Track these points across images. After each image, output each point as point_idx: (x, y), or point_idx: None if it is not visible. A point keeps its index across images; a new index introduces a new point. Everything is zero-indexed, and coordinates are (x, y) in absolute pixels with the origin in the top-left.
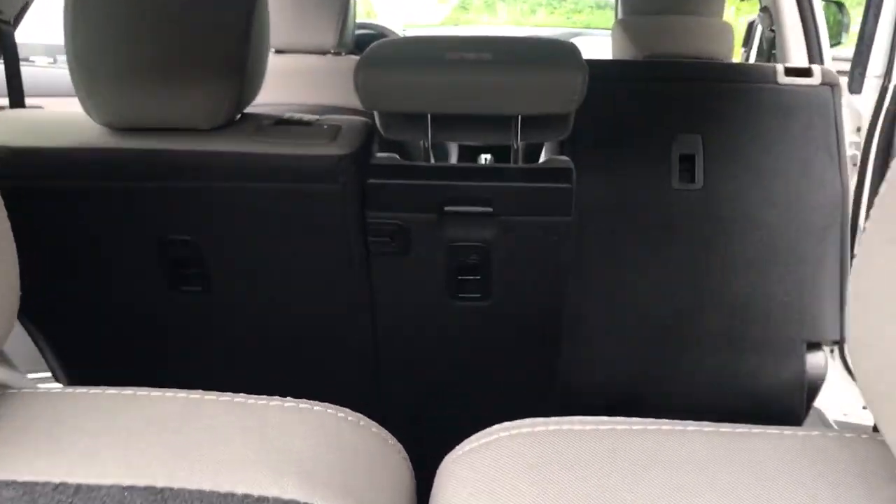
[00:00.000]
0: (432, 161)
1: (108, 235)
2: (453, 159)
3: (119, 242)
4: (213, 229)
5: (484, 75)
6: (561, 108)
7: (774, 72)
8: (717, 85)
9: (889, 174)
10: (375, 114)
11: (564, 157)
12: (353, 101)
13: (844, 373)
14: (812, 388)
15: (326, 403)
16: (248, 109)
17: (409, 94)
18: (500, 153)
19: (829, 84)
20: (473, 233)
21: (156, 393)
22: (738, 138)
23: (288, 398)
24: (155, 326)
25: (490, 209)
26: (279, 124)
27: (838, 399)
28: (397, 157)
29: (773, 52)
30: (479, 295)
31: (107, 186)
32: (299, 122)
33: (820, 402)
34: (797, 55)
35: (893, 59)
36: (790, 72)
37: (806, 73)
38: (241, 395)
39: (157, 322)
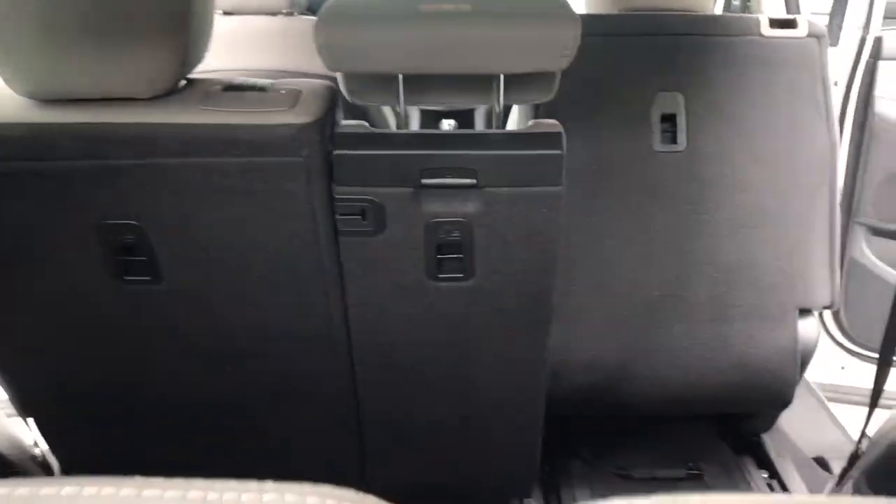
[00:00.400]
0: (407, 128)
1: (40, 223)
2: (414, 126)
3: (52, 230)
4: (160, 212)
5: (463, 29)
6: (550, 64)
7: (758, 23)
8: (698, 39)
9: None
10: (339, 77)
11: (552, 121)
12: (311, 65)
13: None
14: (805, 355)
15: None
16: (194, 76)
17: (378, 53)
18: (464, 118)
19: (816, 36)
20: (455, 207)
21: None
22: (721, 95)
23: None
24: (100, 323)
25: (474, 181)
26: (230, 90)
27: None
28: (366, 124)
29: (749, 3)
30: (461, 275)
31: (34, 167)
32: (253, 88)
33: None
34: (774, 7)
35: (872, 9)
36: (774, 23)
37: (791, 24)
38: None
39: (102, 318)
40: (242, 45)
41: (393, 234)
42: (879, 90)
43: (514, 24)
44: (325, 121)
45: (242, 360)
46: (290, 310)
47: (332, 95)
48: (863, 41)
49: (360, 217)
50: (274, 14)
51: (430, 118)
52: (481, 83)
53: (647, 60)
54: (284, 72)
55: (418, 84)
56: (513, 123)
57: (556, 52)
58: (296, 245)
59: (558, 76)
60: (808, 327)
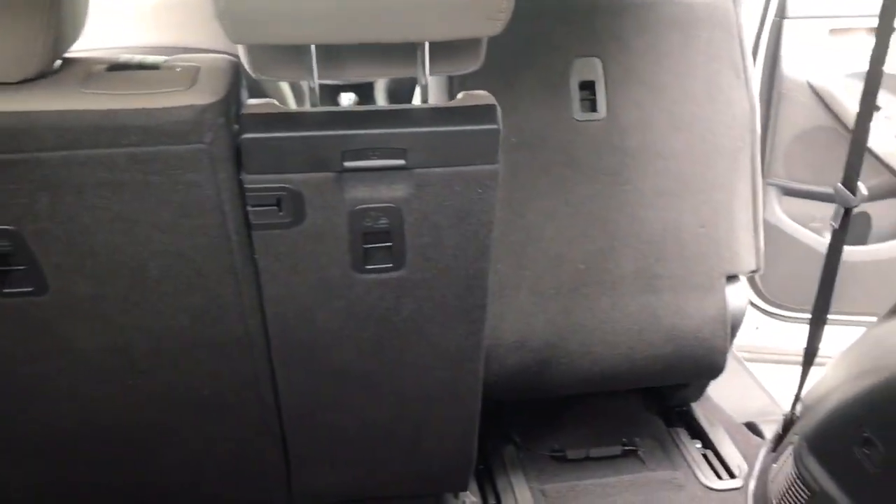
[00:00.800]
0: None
1: None
2: (308, 103)
3: None
4: (39, 214)
5: None
6: (481, 30)
7: None
8: (614, 1)
9: None
10: (241, 50)
11: (483, 92)
12: (206, 41)
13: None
14: (735, 322)
15: None
16: (71, 55)
17: (288, 21)
18: (364, 92)
19: None
20: (381, 192)
21: None
22: (639, 60)
23: None
24: None
25: (402, 161)
26: (115, 70)
27: None
28: (276, 102)
29: None
30: (390, 264)
31: None
32: (143, 67)
33: None
34: None
35: None
36: None
37: None
38: None
39: None
40: (124, 21)
41: (313, 224)
42: (785, 50)
43: None
44: (229, 100)
45: (146, 374)
46: (198, 315)
47: (236, 71)
48: (767, 1)
49: (275, 208)
50: None
51: (327, 93)
52: (403, 53)
53: (564, 24)
54: (178, 48)
55: (333, 55)
56: (416, 98)
57: (487, 16)
58: (202, 243)
59: (485, 43)
60: (736, 294)
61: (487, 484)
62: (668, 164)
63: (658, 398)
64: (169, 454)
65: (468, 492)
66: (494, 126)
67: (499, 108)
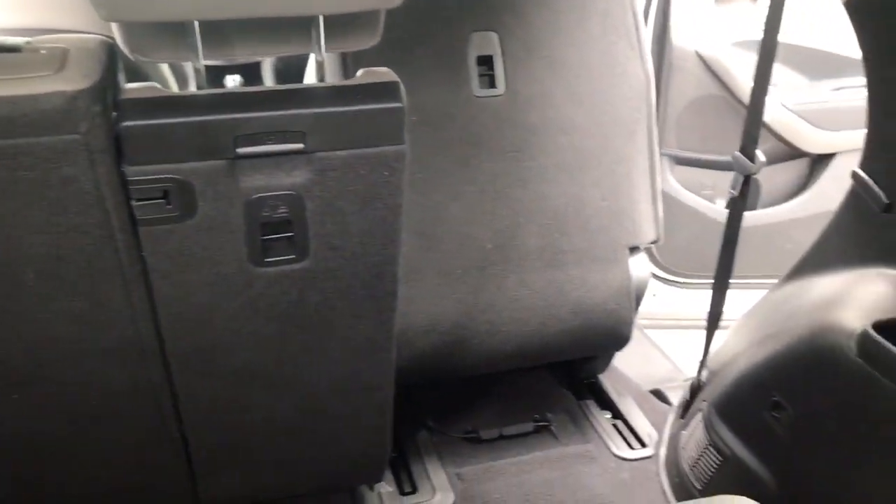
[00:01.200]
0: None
1: None
2: (192, 87)
3: None
4: None
5: None
6: (382, 1)
7: None
8: None
9: None
10: (116, 29)
11: (384, 69)
12: (74, 21)
13: None
14: (639, 292)
15: None
16: None
17: None
18: (250, 73)
19: None
20: (280, 179)
21: None
22: (536, 33)
23: None
24: None
25: (301, 145)
26: None
27: None
28: (157, 85)
29: None
30: (292, 256)
31: None
32: (2, 49)
33: None
34: None
35: None
36: None
37: None
38: None
39: None
40: None
41: (205, 217)
42: (674, 20)
43: None
44: (105, 85)
45: (27, 386)
46: (83, 320)
47: (111, 53)
48: None
49: (162, 201)
50: None
51: (210, 76)
52: (296, 28)
53: None
54: (41, 30)
55: (218, 33)
56: (309, 78)
57: None
58: (82, 242)
59: (383, 16)
60: (639, 264)
61: (403, 472)
62: (569, 139)
63: (567, 372)
64: (64, 468)
65: (383, 482)
66: (399, 104)
67: (402, 85)
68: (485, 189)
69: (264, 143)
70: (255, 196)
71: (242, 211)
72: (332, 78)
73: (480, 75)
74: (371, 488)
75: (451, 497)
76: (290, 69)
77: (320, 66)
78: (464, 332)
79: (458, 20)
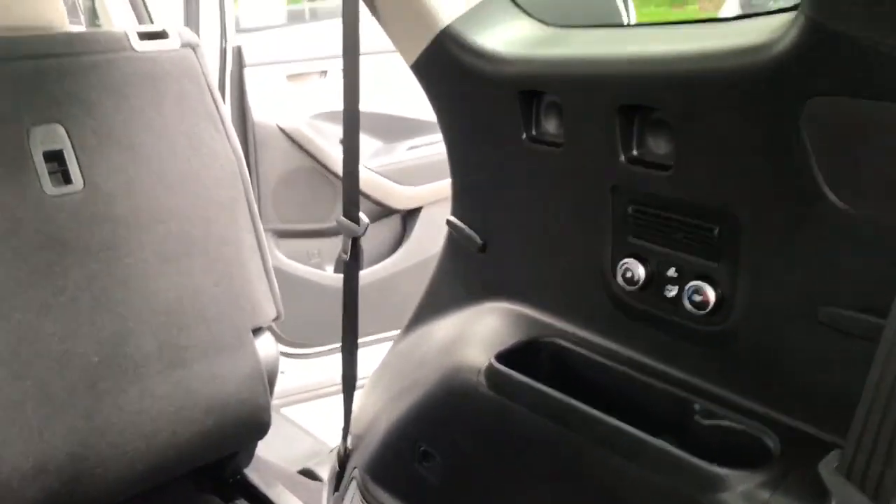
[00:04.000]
0: None
1: None
2: None
3: None
4: None
5: None
6: None
7: (127, 38)
8: (65, 61)
9: None
10: None
11: None
12: None
13: None
14: (271, 375)
15: None
16: None
17: None
18: None
19: (190, 45)
20: None
21: None
22: (108, 121)
23: None
24: None
25: None
26: None
27: None
28: None
29: (97, 22)
30: None
31: None
32: None
33: None
34: (125, 22)
35: (224, 20)
36: (144, 36)
37: (161, 35)
38: None
39: None
40: None
41: None
42: (251, 97)
43: None
44: None
45: None
46: None
47: None
48: (224, 51)
49: None
50: None
51: None
52: None
53: (11, 90)
54: None
55: None
56: None
57: None
58: None
59: None
60: (265, 345)
61: None
62: (168, 227)
63: (211, 475)
64: None
65: None
66: None
67: None
68: (80, 297)
69: None
70: None
71: None
72: None
73: (51, 172)
74: None
75: None
76: None
77: None
78: (83, 464)
79: (19, 116)
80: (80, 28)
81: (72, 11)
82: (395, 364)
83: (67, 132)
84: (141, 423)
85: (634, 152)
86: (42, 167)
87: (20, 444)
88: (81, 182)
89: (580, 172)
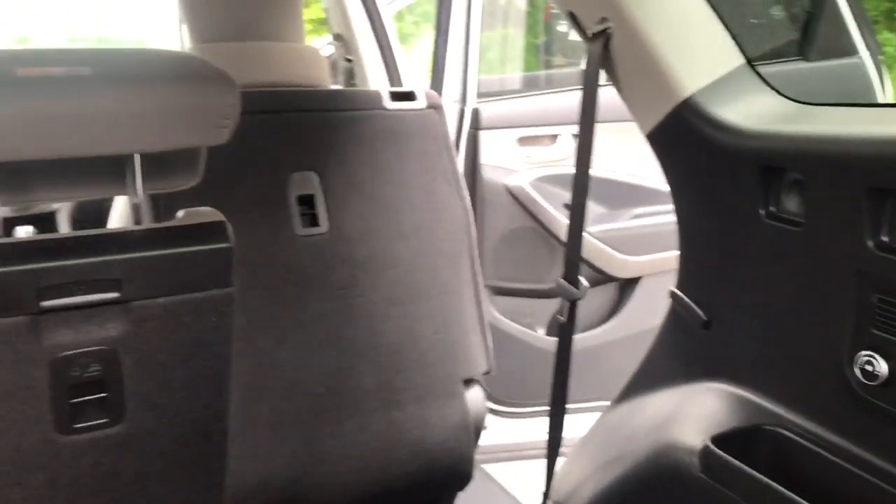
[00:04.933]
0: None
1: None
2: None
3: None
4: None
5: (82, 99)
6: (206, 138)
7: (379, 97)
8: (325, 115)
9: None
10: None
11: (208, 209)
12: None
13: None
14: (477, 426)
15: None
16: None
17: None
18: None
19: (434, 107)
20: (91, 333)
21: None
22: (356, 172)
23: None
24: None
25: (116, 294)
26: None
27: None
28: None
29: (353, 81)
30: (105, 419)
31: None
32: None
33: None
34: (379, 83)
35: (466, 84)
36: (395, 96)
37: (410, 96)
38: None
39: None
40: None
41: (2, 382)
42: (483, 157)
43: (155, 90)
44: None
45: None
46: None
47: None
48: (462, 113)
49: None
50: None
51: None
52: (109, 168)
53: (277, 138)
54: None
55: (19, 175)
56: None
57: (211, 123)
58: None
59: (204, 154)
60: (475, 397)
61: None
62: (397, 273)
63: None
64: None
65: None
66: (227, 244)
67: (229, 225)
68: (313, 330)
69: (73, 295)
70: (61, 355)
71: (47, 373)
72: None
73: (302, 214)
74: None
75: None
76: (89, 216)
77: (136, 209)
78: (300, 486)
79: (279, 162)
80: (338, 87)
81: (331, 72)
82: (603, 434)
83: (320, 179)
84: (354, 456)
85: (884, 238)
86: (294, 209)
87: (248, 460)
88: (327, 225)
89: (822, 254)
